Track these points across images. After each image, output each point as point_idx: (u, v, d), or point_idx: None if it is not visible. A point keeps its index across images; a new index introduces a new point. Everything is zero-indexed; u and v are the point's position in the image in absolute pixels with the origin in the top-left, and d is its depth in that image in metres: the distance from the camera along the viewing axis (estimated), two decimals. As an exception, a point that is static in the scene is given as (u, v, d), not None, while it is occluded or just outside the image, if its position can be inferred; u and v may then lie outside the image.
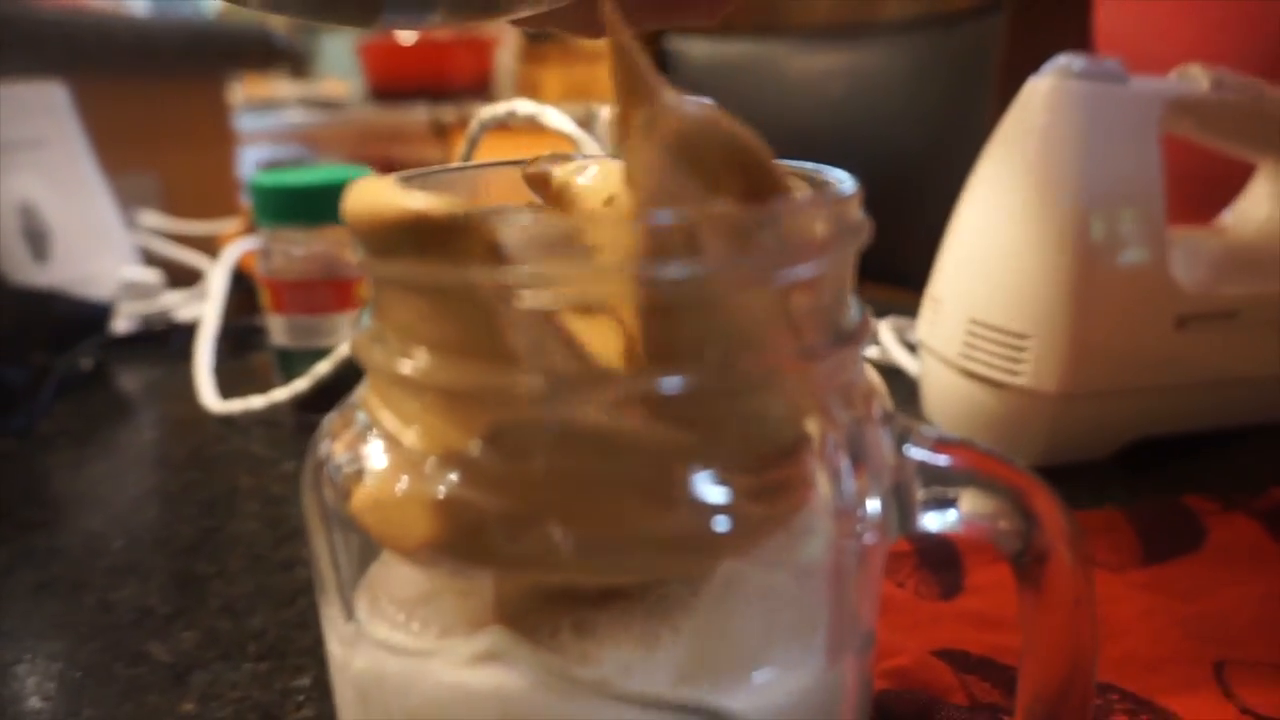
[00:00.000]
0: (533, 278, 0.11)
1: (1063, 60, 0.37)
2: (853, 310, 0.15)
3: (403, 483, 0.14)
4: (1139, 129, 0.37)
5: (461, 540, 0.13)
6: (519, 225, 0.11)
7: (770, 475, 0.13)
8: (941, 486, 0.14)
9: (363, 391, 0.15)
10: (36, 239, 0.63)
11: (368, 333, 0.14)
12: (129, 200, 0.75)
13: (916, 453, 0.14)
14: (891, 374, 0.51)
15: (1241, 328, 0.39)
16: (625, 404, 0.12)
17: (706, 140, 0.12)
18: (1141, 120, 0.37)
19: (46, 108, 0.65)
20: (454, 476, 0.13)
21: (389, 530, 0.14)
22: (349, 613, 0.15)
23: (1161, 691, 0.24)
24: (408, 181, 0.15)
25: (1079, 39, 0.63)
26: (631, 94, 0.13)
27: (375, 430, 0.15)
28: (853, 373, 0.15)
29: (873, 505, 0.14)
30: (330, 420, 0.15)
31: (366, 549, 0.15)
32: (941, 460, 0.14)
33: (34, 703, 0.27)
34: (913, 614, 0.28)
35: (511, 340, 0.12)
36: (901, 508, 0.14)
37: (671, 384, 0.12)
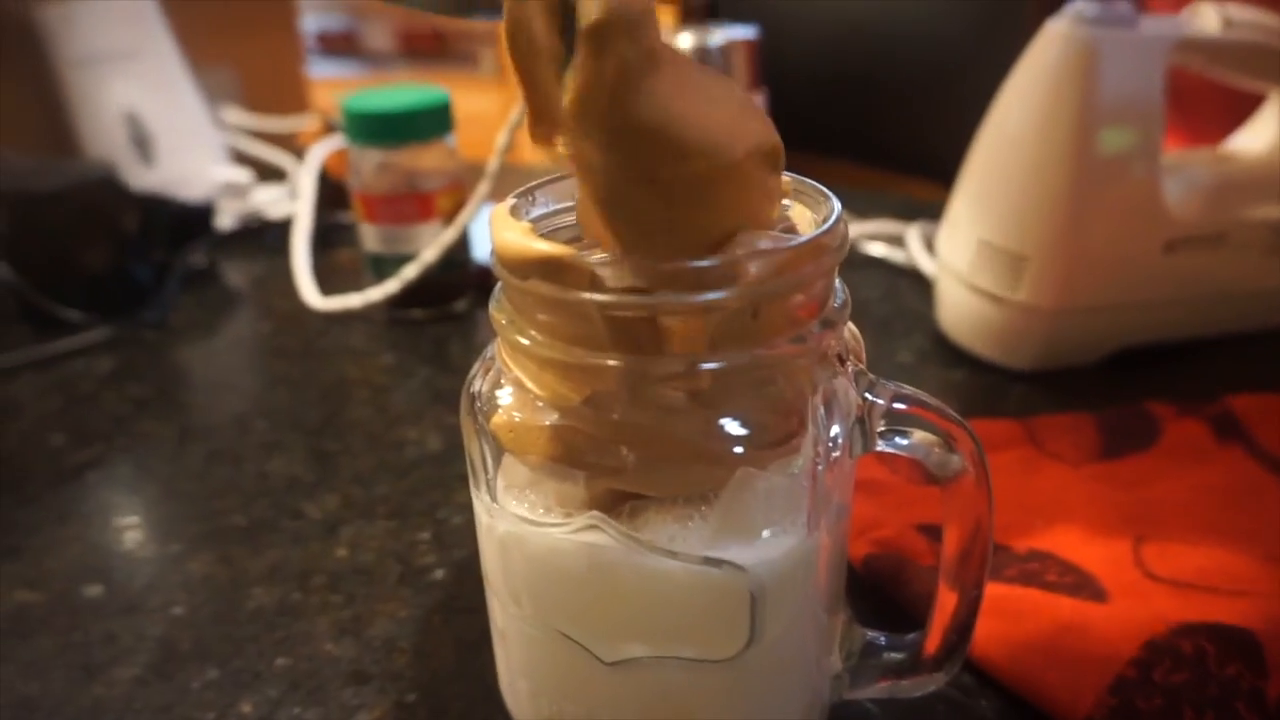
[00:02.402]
0: (618, 302, 0.18)
1: (1077, 5, 0.41)
2: (836, 299, 0.21)
3: (525, 413, 0.21)
4: (1143, 70, 0.40)
5: (562, 452, 0.21)
6: (609, 265, 0.18)
7: (772, 419, 0.19)
8: (895, 425, 0.21)
9: (495, 347, 0.22)
10: (141, 144, 0.70)
11: (501, 310, 0.21)
12: (211, 95, 0.80)
13: (877, 400, 0.21)
14: (914, 277, 0.56)
15: (1227, 249, 0.44)
16: (675, 379, 0.18)
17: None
18: (1147, 62, 0.40)
19: (138, 16, 0.70)
20: (558, 415, 0.20)
21: (515, 443, 0.21)
22: (493, 495, 0.22)
23: (1088, 560, 0.31)
24: (529, 198, 0.22)
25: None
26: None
27: (506, 376, 0.21)
28: (835, 342, 0.21)
29: (840, 436, 0.20)
30: (476, 365, 0.22)
31: (500, 453, 0.22)
32: (896, 407, 0.21)
33: (225, 546, 0.36)
34: (900, 495, 0.35)
35: (602, 334, 0.18)
36: (863, 436, 0.21)
37: (709, 366, 0.18)
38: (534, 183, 0.22)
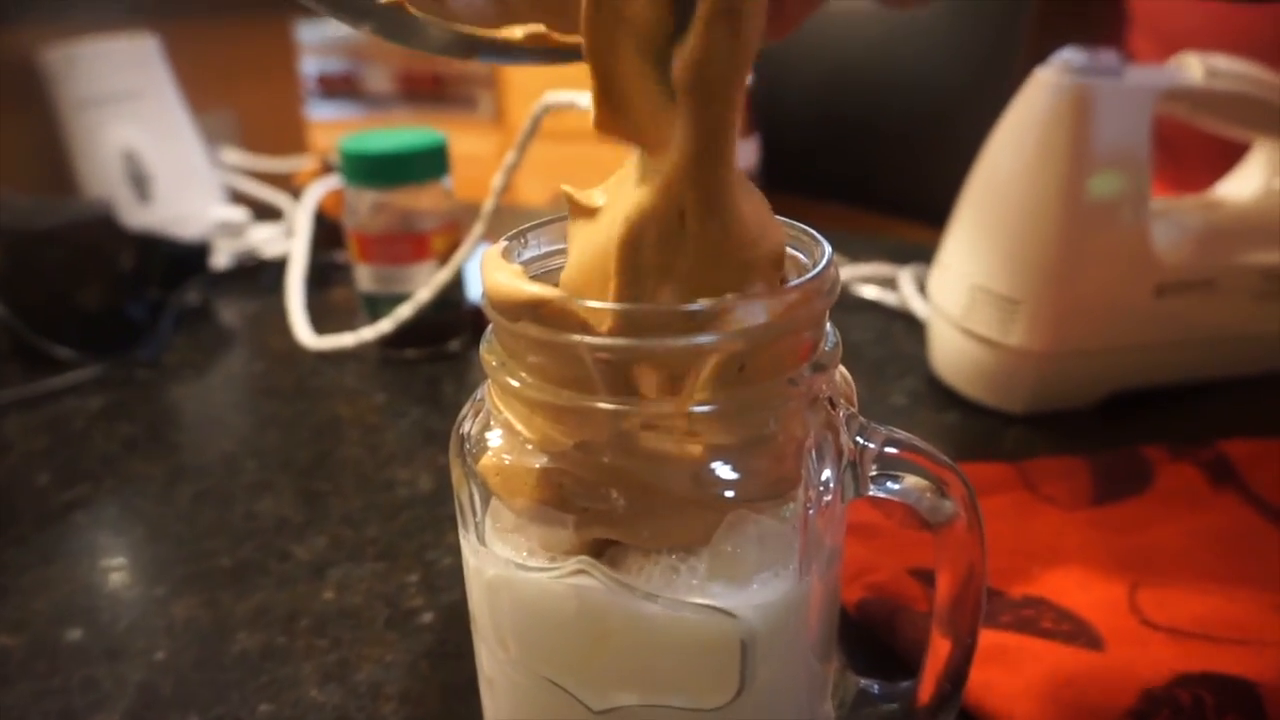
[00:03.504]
0: (608, 345, 0.18)
1: (1065, 55, 0.41)
2: (828, 342, 0.21)
3: (514, 456, 0.21)
4: (1130, 119, 0.41)
5: (551, 496, 0.20)
6: (599, 309, 0.18)
7: (763, 464, 0.19)
8: (887, 469, 0.21)
9: (486, 389, 0.22)
10: (139, 183, 0.70)
11: (492, 352, 0.21)
12: (210, 137, 0.81)
13: (869, 444, 0.21)
14: (907, 320, 0.56)
15: (1217, 294, 0.44)
16: (666, 423, 0.18)
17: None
18: (1134, 111, 0.41)
19: (141, 60, 0.71)
20: (547, 458, 0.20)
21: (503, 486, 0.21)
22: (481, 538, 0.22)
23: (1083, 606, 0.31)
24: (521, 240, 0.22)
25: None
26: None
27: (495, 418, 0.21)
28: (827, 386, 0.21)
29: (832, 480, 0.20)
30: (467, 407, 0.22)
31: (489, 496, 0.22)
32: (888, 451, 0.21)
33: (210, 589, 0.35)
34: (893, 539, 0.35)
35: (593, 377, 0.18)
36: (855, 481, 0.21)
37: (701, 409, 0.18)
38: (527, 225, 0.22)
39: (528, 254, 0.22)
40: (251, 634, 0.33)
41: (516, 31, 0.20)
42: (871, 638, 0.31)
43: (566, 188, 0.21)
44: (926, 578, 0.32)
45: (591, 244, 0.20)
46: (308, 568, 0.36)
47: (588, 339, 0.18)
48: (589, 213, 0.20)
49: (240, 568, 0.36)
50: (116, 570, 0.37)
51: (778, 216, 0.22)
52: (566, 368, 0.19)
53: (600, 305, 0.18)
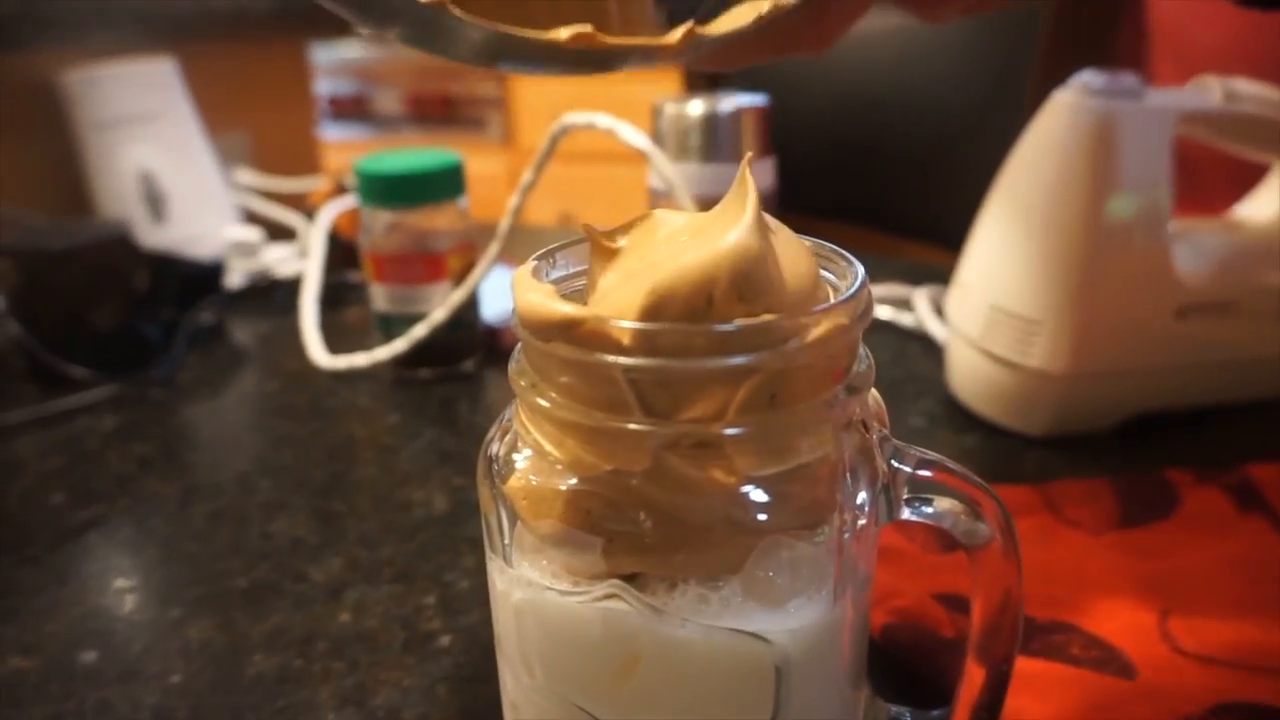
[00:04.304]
0: (642, 366, 0.18)
1: (1084, 77, 0.41)
2: (861, 364, 0.21)
3: (542, 477, 0.20)
4: (1150, 141, 0.41)
5: (580, 518, 0.20)
6: (633, 329, 0.18)
7: (797, 488, 0.19)
8: (919, 492, 0.21)
9: (513, 409, 0.22)
10: (155, 203, 0.71)
11: (522, 373, 0.20)
12: (225, 158, 0.82)
13: (902, 467, 0.20)
14: (923, 341, 0.56)
15: (1239, 316, 0.44)
16: (699, 445, 0.18)
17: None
18: (1154, 133, 0.41)
19: (158, 82, 0.72)
20: (575, 480, 0.20)
21: (531, 508, 0.21)
22: (509, 560, 0.21)
23: (1113, 633, 0.30)
24: (549, 260, 0.22)
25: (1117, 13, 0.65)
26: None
27: (523, 439, 0.21)
28: (860, 409, 0.21)
29: (866, 503, 0.20)
30: (494, 428, 0.22)
31: (517, 517, 0.22)
32: (920, 473, 0.20)
33: (226, 611, 0.35)
34: (917, 564, 0.34)
35: (626, 398, 0.18)
36: (888, 504, 0.21)
37: (734, 432, 0.18)
38: (554, 245, 0.22)
39: (556, 273, 0.22)
40: (268, 656, 0.32)
41: (562, 32, 0.20)
42: (896, 664, 0.30)
43: (588, 225, 0.21)
44: (951, 603, 0.32)
45: (615, 292, 0.20)
46: (323, 589, 0.36)
47: (621, 359, 0.18)
48: (610, 254, 0.20)
49: (256, 589, 0.36)
50: (131, 591, 0.36)
51: (806, 238, 0.22)
52: (598, 389, 0.18)
53: (634, 325, 0.18)
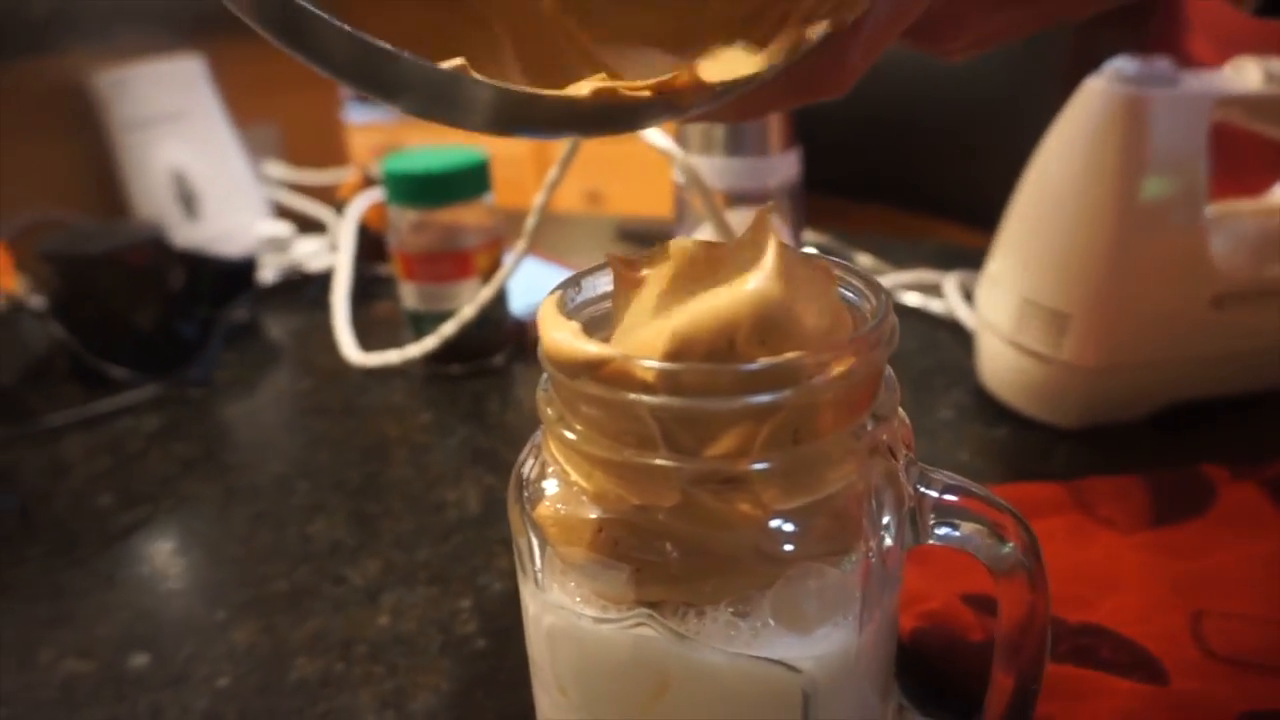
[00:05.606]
0: (668, 405, 0.18)
1: (1117, 63, 0.40)
2: (887, 390, 0.21)
3: (569, 506, 0.21)
4: (1186, 129, 0.40)
5: (608, 547, 0.20)
6: (659, 369, 0.18)
7: (824, 519, 0.19)
8: (946, 516, 0.21)
9: (542, 437, 0.22)
10: (188, 201, 0.72)
11: (550, 404, 0.21)
12: (255, 150, 0.82)
13: (929, 492, 0.21)
14: (953, 328, 0.56)
15: (1277, 303, 0.43)
16: (726, 480, 0.18)
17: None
18: (1189, 121, 0.40)
19: (187, 80, 0.72)
20: (602, 510, 0.20)
21: (561, 536, 0.21)
22: (540, 585, 0.22)
23: (1144, 635, 0.30)
24: (575, 286, 0.22)
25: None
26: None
27: (552, 467, 0.21)
28: (887, 435, 0.21)
29: (892, 528, 0.20)
30: (526, 448, 0.22)
31: (547, 543, 0.22)
32: (946, 498, 0.21)
33: (269, 614, 0.36)
34: (945, 563, 0.34)
35: (653, 434, 0.18)
36: (914, 529, 0.21)
37: (761, 467, 0.18)
38: (579, 273, 0.23)
39: (581, 297, 0.23)
40: (310, 660, 0.33)
41: (583, 88, 0.20)
42: (925, 668, 0.30)
43: (611, 254, 0.21)
44: (980, 603, 0.32)
45: (639, 330, 0.20)
46: (362, 592, 0.37)
47: (646, 398, 0.18)
48: (635, 283, 0.20)
49: (297, 592, 0.37)
50: (178, 595, 0.38)
51: (831, 260, 0.22)
52: (624, 425, 0.19)
53: (659, 365, 0.18)
